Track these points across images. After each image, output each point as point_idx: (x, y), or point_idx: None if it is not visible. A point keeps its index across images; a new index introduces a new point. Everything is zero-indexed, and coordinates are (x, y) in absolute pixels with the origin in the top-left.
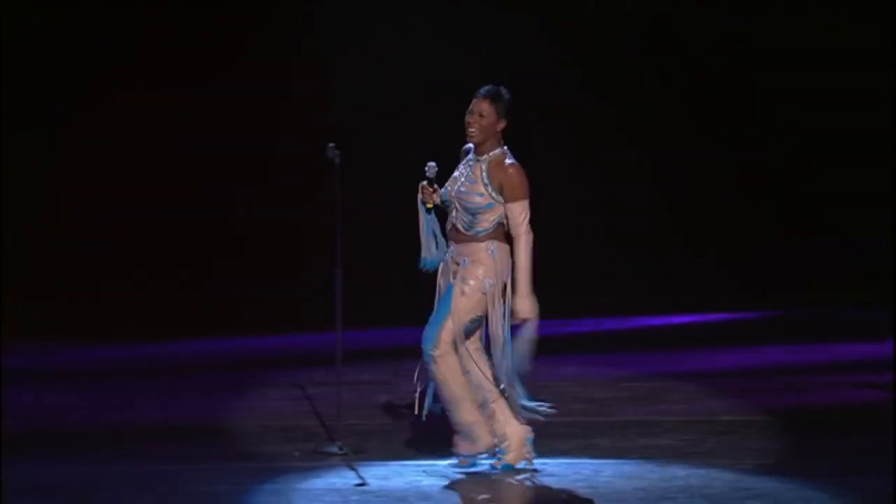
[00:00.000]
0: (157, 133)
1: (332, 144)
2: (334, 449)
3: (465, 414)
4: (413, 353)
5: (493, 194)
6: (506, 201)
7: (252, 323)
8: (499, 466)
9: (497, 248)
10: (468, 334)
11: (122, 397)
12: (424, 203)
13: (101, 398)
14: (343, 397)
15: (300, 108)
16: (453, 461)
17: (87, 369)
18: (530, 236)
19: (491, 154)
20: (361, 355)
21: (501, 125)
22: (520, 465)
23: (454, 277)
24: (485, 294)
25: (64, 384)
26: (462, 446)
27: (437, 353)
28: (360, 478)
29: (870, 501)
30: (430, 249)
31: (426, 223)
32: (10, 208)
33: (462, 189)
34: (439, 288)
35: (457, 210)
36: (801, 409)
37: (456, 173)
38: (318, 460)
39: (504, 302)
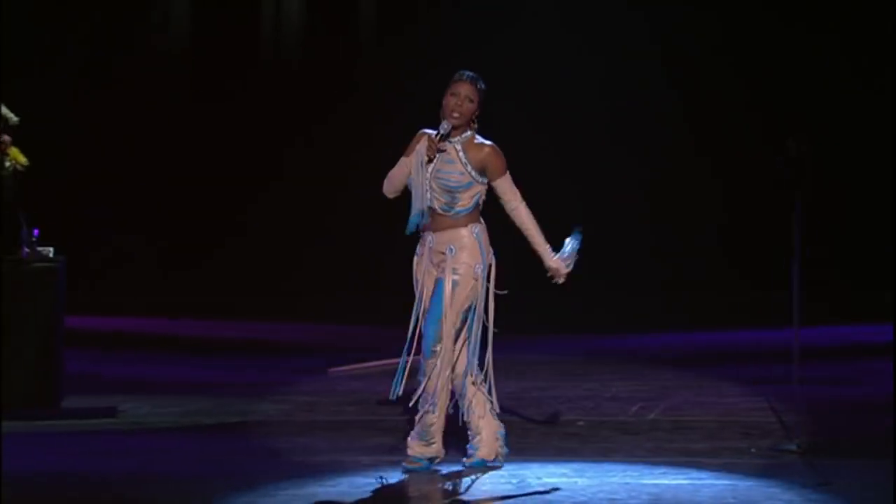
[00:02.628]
0: None
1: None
2: (792, 447)
3: (438, 415)
4: (871, 352)
5: (473, 173)
6: (492, 180)
7: (706, 318)
8: (469, 463)
9: (480, 229)
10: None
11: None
12: (426, 155)
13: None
14: (801, 394)
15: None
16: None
17: (561, 359)
18: (524, 203)
19: (462, 136)
20: (819, 352)
21: (477, 112)
22: (492, 462)
23: (439, 269)
24: (476, 280)
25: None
26: (415, 447)
27: (437, 347)
28: (823, 477)
29: None
30: (424, 200)
31: (422, 176)
32: None
33: (440, 170)
34: (417, 279)
35: (432, 191)
36: None
37: (421, 158)
38: (775, 458)
39: (488, 284)
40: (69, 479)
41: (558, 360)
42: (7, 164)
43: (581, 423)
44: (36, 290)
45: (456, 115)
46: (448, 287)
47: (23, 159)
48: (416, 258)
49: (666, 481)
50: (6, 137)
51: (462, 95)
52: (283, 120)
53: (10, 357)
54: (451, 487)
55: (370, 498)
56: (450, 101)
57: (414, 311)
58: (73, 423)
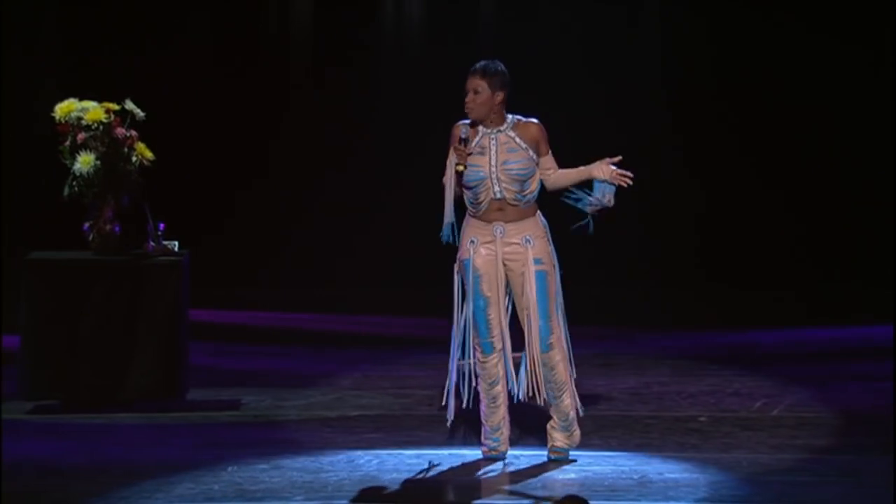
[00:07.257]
0: None
1: None
2: None
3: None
4: None
5: (533, 155)
6: (542, 154)
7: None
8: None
9: (540, 214)
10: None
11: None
12: (457, 164)
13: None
14: None
15: None
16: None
17: (680, 354)
18: None
19: (509, 122)
20: None
21: (499, 98)
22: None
23: (513, 261)
24: (555, 266)
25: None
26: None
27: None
28: None
29: None
30: (452, 214)
31: (453, 191)
32: None
33: (507, 160)
34: (477, 270)
35: (500, 184)
36: None
37: (455, 155)
38: None
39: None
40: (184, 469)
41: (677, 355)
42: (133, 159)
43: (703, 418)
44: (160, 284)
45: (469, 107)
46: (541, 277)
47: (149, 154)
48: (469, 248)
49: (790, 478)
50: (133, 133)
51: (470, 91)
52: None
53: (136, 350)
54: (574, 478)
55: (503, 487)
56: (465, 99)
57: (472, 305)
58: (198, 415)
